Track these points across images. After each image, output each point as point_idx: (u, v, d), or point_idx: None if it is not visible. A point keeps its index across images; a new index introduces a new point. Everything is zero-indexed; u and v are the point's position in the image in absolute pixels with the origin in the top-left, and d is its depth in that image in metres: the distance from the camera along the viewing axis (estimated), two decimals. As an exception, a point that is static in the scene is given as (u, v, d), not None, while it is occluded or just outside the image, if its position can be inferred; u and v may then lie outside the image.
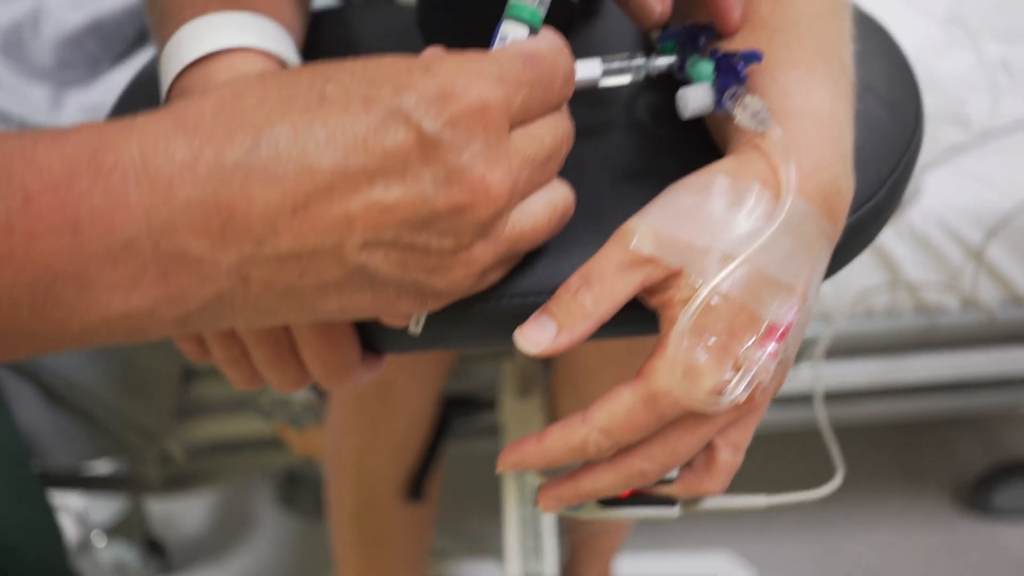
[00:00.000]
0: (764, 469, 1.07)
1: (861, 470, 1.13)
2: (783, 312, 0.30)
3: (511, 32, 0.30)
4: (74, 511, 1.12)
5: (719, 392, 0.29)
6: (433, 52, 0.28)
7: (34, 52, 0.92)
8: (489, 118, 0.26)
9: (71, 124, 0.25)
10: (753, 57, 0.33)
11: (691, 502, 0.34)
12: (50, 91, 0.91)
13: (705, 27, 0.35)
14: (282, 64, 0.38)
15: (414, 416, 0.79)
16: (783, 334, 0.30)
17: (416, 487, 0.79)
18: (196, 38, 0.36)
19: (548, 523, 0.78)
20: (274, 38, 0.38)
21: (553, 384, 0.83)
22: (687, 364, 0.29)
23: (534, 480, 0.34)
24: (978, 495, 1.10)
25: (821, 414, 0.64)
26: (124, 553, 1.09)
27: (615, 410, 0.29)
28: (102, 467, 1.00)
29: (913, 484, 1.16)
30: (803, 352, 0.81)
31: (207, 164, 0.24)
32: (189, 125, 0.25)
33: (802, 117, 0.31)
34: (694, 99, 0.33)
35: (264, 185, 0.24)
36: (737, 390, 0.29)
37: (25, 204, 0.23)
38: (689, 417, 0.30)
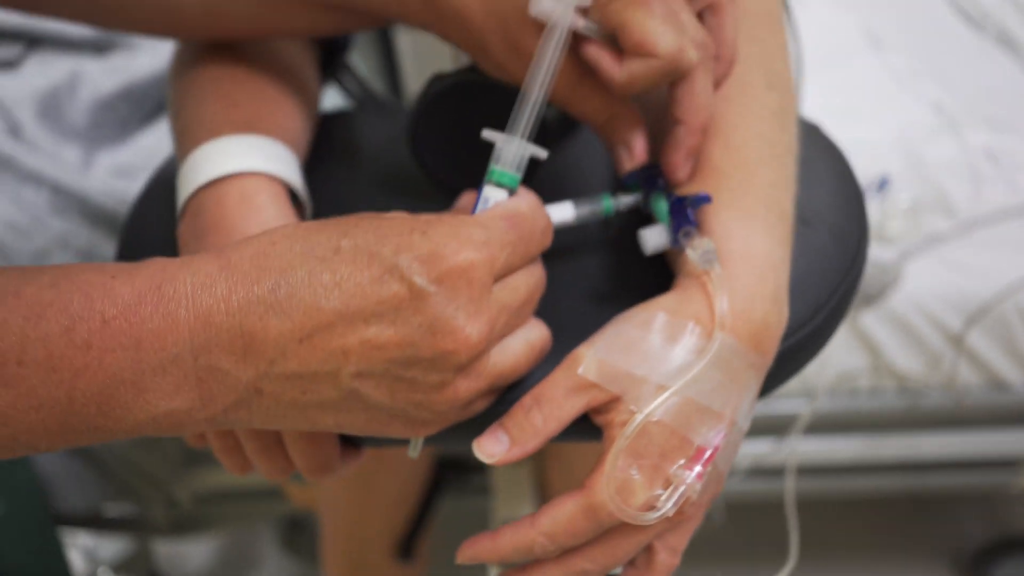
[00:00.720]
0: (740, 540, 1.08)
1: (858, 543, 1.14)
2: (711, 436, 0.33)
3: (492, 195, 0.35)
4: (83, 547, 1.17)
5: (650, 507, 0.33)
6: (431, 217, 0.32)
7: (69, 115, 0.99)
8: (473, 276, 0.30)
9: (140, 262, 0.31)
10: (702, 200, 0.37)
11: None
12: (81, 152, 0.97)
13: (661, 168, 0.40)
14: (284, 184, 0.43)
15: (407, 476, 0.83)
16: (710, 457, 0.33)
17: (407, 547, 0.82)
18: (208, 161, 0.41)
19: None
20: (277, 161, 0.43)
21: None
22: (622, 481, 0.33)
23: (494, 571, 0.38)
24: (977, 570, 1.11)
25: (790, 490, 0.67)
26: (130, 590, 1.13)
27: (559, 517, 0.33)
28: (112, 509, 1.04)
29: (911, 558, 1.16)
30: (782, 427, 0.84)
31: (238, 299, 0.30)
32: (230, 267, 0.30)
33: (739, 259, 0.36)
34: (651, 240, 0.38)
35: (279, 318, 0.30)
36: (666, 506, 0.33)
37: (102, 326, 0.29)
38: (627, 526, 0.33)
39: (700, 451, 0.33)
